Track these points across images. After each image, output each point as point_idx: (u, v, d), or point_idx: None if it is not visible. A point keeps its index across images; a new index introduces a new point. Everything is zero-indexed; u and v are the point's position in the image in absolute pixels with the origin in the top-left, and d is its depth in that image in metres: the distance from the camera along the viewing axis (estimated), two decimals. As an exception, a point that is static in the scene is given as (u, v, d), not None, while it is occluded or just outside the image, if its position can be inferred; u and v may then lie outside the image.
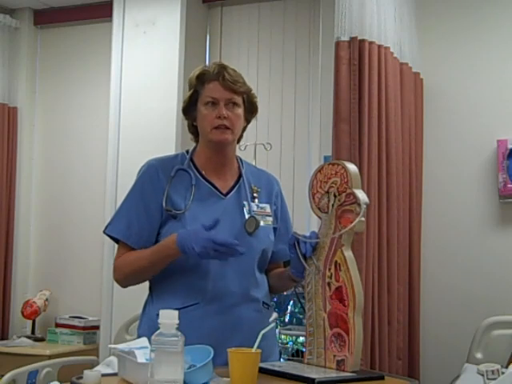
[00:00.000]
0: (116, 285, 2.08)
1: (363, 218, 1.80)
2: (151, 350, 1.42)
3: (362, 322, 1.79)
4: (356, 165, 1.90)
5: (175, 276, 1.99)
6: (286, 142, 4.24)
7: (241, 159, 2.19)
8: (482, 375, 2.07)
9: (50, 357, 3.86)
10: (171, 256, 1.93)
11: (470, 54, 3.71)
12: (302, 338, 3.47)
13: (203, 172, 2.09)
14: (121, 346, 1.70)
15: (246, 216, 2.05)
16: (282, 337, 3.57)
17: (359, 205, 1.80)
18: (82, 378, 1.57)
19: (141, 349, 1.62)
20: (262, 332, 1.67)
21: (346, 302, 1.79)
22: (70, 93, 4.79)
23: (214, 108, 2.03)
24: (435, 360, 3.59)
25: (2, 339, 4.50)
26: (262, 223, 2.05)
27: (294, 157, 4.23)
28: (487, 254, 3.57)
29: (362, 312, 1.81)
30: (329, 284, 1.84)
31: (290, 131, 4.25)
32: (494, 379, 2.04)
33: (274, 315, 1.82)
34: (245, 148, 3.87)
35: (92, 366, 2.38)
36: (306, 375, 1.68)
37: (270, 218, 2.11)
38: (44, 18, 4.88)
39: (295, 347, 3.56)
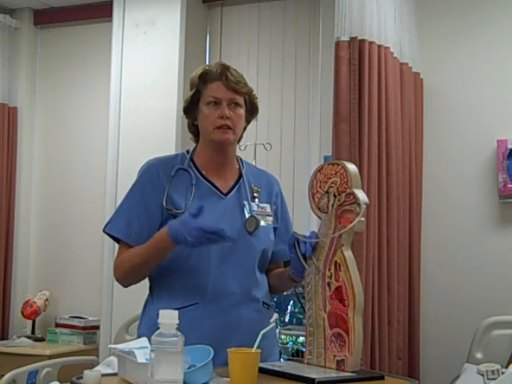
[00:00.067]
0: (116, 285, 2.08)
1: (363, 218, 1.80)
2: (151, 350, 1.42)
3: (361, 322, 1.79)
4: (356, 165, 1.90)
5: (175, 276, 1.99)
6: (286, 142, 4.24)
7: (241, 159, 2.19)
8: (482, 375, 2.07)
9: (50, 357, 3.86)
10: (166, 248, 1.92)
11: (470, 54, 3.71)
12: (302, 338, 3.47)
13: (203, 172, 2.09)
14: (121, 346, 1.70)
15: (247, 216, 2.05)
16: (282, 337, 3.57)
17: (359, 205, 1.80)
18: (82, 377, 1.57)
19: (141, 349, 1.62)
20: (262, 332, 1.67)
21: (345, 301, 1.79)
22: (70, 93, 4.79)
23: (216, 108, 2.03)
24: (435, 360, 3.59)
25: (2, 339, 4.50)
26: (262, 223, 2.06)
27: (293, 157, 4.23)
28: (487, 254, 3.57)
29: (362, 312, 1.81)
30: (329, 284, 1.84)
31: (290, 131, 4.25)
32: (494, 379, 2.04)
33: (275, 316, 1.82)
34: (245, 148, 3.87)
35: (92, 365, 2.39)
36: (306, 375, 1.68)
37: (271, 218, 2.11)
38: (44, 18, 4.88)
39: (295, 347, 3.56)
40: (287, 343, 3.59)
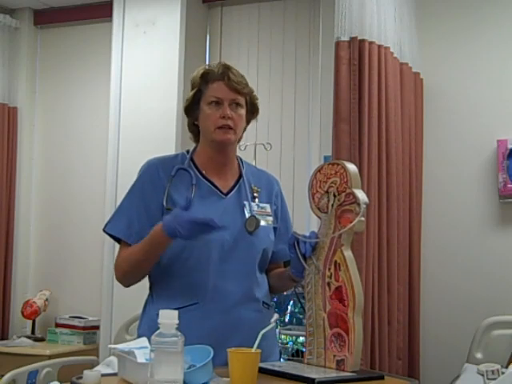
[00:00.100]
0: (116, 285, 2.09)
1: (363, 218, 1.80)
2: (151, 350, 1.42)
3: (361, 322, 1.79)
4: (356, 165, 1.90)
5: (176, 276, 1.99)
6: (286, 142, 4.24)
7: (241, 159, 2.19)
8: (482, 375, 2.07)
9: (50, 357, 3.86)
10: (162, 243, 1.92)
11: (470, 54, 3.71)
12: (302, 338, 3.47)
13: (203, 171, 2.09)
14: (121, 346, 1.70)
15: (247, 215, 2.05)
16: (282, 337, 3.57)
17: (359, 205, 1.80)
18: (81, 377, 1.57)
19: (141, 349, 1.62)
20: (262, 332, 1.67)
21: (345, 301, 1.79)
22: (70, 93, 4.79)
23: (217, 108, 2.03)
24: (435, 360, 3.59)
25: (2, 339, 4.50)
26: (262, 223, 2.06)
27: (293, 157, 4.23)
28: (487, 254, 3.57)
29: (362, 312, 1.81)
30: (328, 284, 1.84)
31: (290, 131, 4.25)
32: (494, 379, 2.04)
33: (275, 316, 1.82)
34: (245, 148, 3.87)
35: (92, 366, 2.39)
36: (306, 375, 1.68)
37: (271, 218, 2.11)
38: (44, 18, 4.88)
39: (295, 347, 3.56)
40: (287, 343, 3.59)
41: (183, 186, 2.04)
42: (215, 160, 2.09)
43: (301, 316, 3.62)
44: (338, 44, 3.07)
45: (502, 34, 3.67)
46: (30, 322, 4.59)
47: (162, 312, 1.45)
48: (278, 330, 3.46)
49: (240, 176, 2.13)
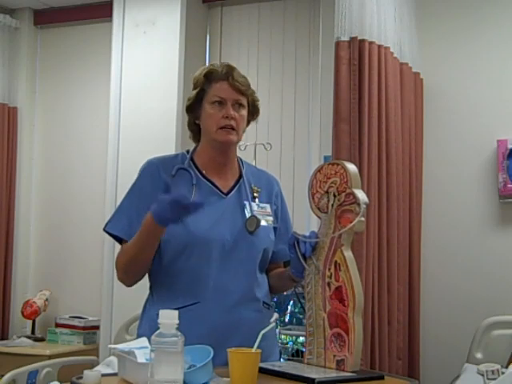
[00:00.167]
0: (116, 285, 2.09)
1: (363, 218, 1.80)
2: (151, 350, 1.42)
3: (361, 322, 1.79)
4: (356, 165, 1.90)
5: (176, 275, 1.99)
6: (286, 142, 4.24)
7: (241, 159, 2.19)
8: (482, 375, 2.07)
9: (50, 357, 3.86)
10: (154, 231, 1.90)
11: (470, 54, 3.71)
12: (302, 338, 3.47)
13: (204, 171, 2.09)
14: (121, 346, 1.70)
15: (247, 215, 2.05)
16: (282, 337, 3.57)
17: (359, 205, 1.80)
18: (81, 377, 1.57)
19: (141, 349, 1.62)
20: (262, 332, 1.67)
21: (345, 301, 1.79)
22: (70, 93, 4.79)
23: (220, 108, 2.03)
24: (435, 360, 3.59)
25: (2, 339, 4.50)
26: (263, 222, 2.06)
27: (293, 157, 4.23)
28: (487, 254, 3.57)
29: (362, 312, 1.81)
30: (328, 284, 1.84)
31: (290, 131, 4.25)
32: (494, 379, 2.04)
33: (275, 316, 1.82)
34: (245, 148, 3.87)
35: (92, 366, 2.39)
36: (306, 375, 1.68)
37: (271, 218, 2.11)
38: (44, 18, 4.88)
39: (295, 347, 3.56)
40: (287, 343, 3.59)
41: (184, 185, 2.04)
42: (216, 160, 2.09)
43: (301, 316, 3.62)
44: (337, 44, 3.07)
45: (502, 34, 3.67)
46: (30, 322, 4.59)
47: (162, 312, 1.45)
48: (277, 330, 3.46)
49: (240, 176, 2.13)
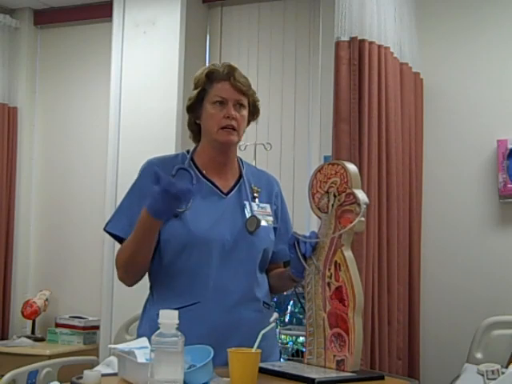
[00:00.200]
0: (116, 285, 2.09)
1: (363, 218, 1.80)
2: (151, 350, 1.42)
3: (361, 322, 1.79)
4: (356, 165, 1.90)
5: (176, 275, 1.99)
6: (286, 142, 4.24)
7: (241, 159, 2.19)
8: (482, 375, 2.07)
9: (50, 357, 3.86)
10: (150, 225, 1.89)
11: (470, 54, 3.71)
12: (302, 338, 3.47)
13: (204, 171, 2.09)
14: (121, 346, 1.70)
15: (247, 215, 2.05)
16: (282, 337, 3.57)
17: (359, 205, 1.80)
18: (81, 377, 1.57)
19: (141, 349, 1.62)
20: (262, 332, 1.67)
21: (345, 301, 1.79)
22: (70, 93, 4.79)
23: (221, 108, 2.03)
24: (435, 360, 3.59)
25: (2, 339, 4.50)
26: (263, 222, 2.06)
27: (293, 157, 4.23)
28: (487, 254, 3.57)
29: (362, 312, 1.81)
30: (329, 284, 1.84)
31: (290, 131, 4.25)
32: (494, 379, 2.04)
33: (275, 315, 1.83)
34: (245, 148, 3.87)
35: (92, 366, 2.39)
36: (306, 375, 1.68)
37: (271, 218, 2.11)
38: (44, 18, 4.88)
39: (295, 347, 3.56)
40: (287, 343, 3.59)
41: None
42: (216, 160, 2.09)
43: (301, 316, 3.62)
44: (337, 44, 3.07)
45: (502, 34, 3.67)
46: (30, 322, 4.59)
47: (162, 312, 1.45)
48: (277, 330, 3.46)
49: (240, 176, 2.13)
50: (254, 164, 3.59)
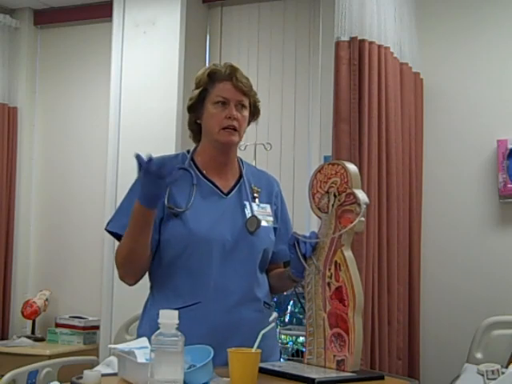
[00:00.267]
0: (116, 285, 2.09)
1: (363, 218, 1.80)
2: (151, 350, 1.42)
3: (361, 322, 1.79)
4: (356, 165, 1.90)
5: (177, 275, 1.99)
6: (286, 142, 4.24)
7: (241, 160, 2.19)
8: (482, 375, 2.07)
9: (50, 357, 3.86)
10: (144, 217, 1.89)
11: (470, 54, 3.71)
12: (302, 338, 3.47)
13: (204, 171, 2.09)
14: (121, 346, 1.70)
15: (247, 215, 2.05)
16: (282, 337, 3.57)
17: (359, 205, 1.80)
18: (82, 377, 1.57)
19: (141, 349, 1.62)
20: (262, 332, 1.67)
21: (345, 301, 1.79)
22: (70, 93, 4.79)
23: (223, 108, 2.04)
24: (435, 360, 3.59)
25: (2, 339, 4.50)
26: (263, 223, 2.06)
27: (293, 157, 4.23)
28: (487, 253, 3.57)
29: (362, 312, 1.81)
30: (329, 284, 1.84)
31: (290, 131, 4.25)
32: (494, 379, 2.04)
33: (274, 315, 1.83)
34: (245, 148, 3.87)
35: (92, 366, 2.39)
36: (306, 375, 1.68)
37: (271, 218, 2.12)
38: (44, 18, 4.88)
39: (295, 347, 3.56)
40: (287, 343, 3.59)
41: (184, 185, 2.04)
42: (216, 160, 2.09)
43: (301, 316, 3.62)
44: (337, 44, 3.07)
45: (502, 34, 3.67)
46: (30, 322, 4.59)
47: (162, 312, 1.45)
48: (277, 330, 3.46)
49: (240, 176, 2.13)
50: (254, 164, 3.59)
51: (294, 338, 3.57)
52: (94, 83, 4.68)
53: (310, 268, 1.89)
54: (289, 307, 3.70)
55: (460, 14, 3.76)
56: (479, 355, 3.17)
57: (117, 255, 2.01)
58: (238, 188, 2.11)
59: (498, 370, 2.06)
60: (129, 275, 2.02)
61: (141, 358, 1.57)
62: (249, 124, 2.15)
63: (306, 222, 3.90)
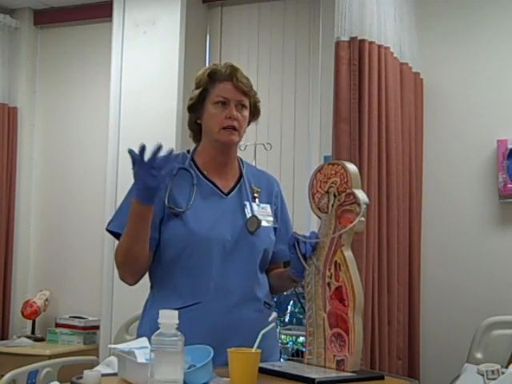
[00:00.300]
0: (116, 285, 2.09)
1: (363, 218, 1.80)
2: (151, 350, 1.42)
3: (361, 322, 1.79)
4: (356, 165, 1.90)
5: (177, 275, 1.99)
6: (286, 142, 4.24)
7: (241, 160, 2.19)
8: (482, 375, 2.07)
9: (50, 357, 3.86)
10: (141, 213, 1.89)
11: (470, 54, 3.71)
12: (302, 338, 3.47)
13: (204, 172, 2.09)
14: (121, 346, 1.70)
15: (248, 215, 2.05)
16: (282, 337, 3.57)
17: (359, 205, 1.80)
18: (82, 377, 1.57)
19: (141, 349, 1.62)
20: (262, 332, 1.67)
21: (345, 301, 1.79)
22: (70, 93, 4.79)
23: (223, 108, 2.04)
24: (435, 360, 3.59)
25: (2, 339, 4.50)
26: (264, 223, 2.06)
27: (293, 157, 4.23)
28: (487, 254, 3.57)
29: (362, 312, 1.81)
30: (329, 284, 1.84)
31: (290, 131, 4.25)
32: (494, 379, 2.04)
33: (274, 315, 1.83)
34: (245, 148, 3.87)
35: (92, 366, 2.39)
36: (306, 375, 1.68)
37: (271, 218, 2.12)
38: (44, 18, 4.88)
39: (295, 347, 3.56)
40: (287, 343, 3.59)
41: (184, 185, 2.04)
42: (216, 160, 2.09)
43: (301, 316, 3.62)
44: (337, 44, 3.07)
45: (502, 34, 3.67)
46: (30, 322, 4.58)
47: (162, 312, 1.45)
48: (278, 330, 3.46)
49: (240, 176, 2.13)
50: (254, 164, 3.59)
51: (293, 338, 3.57)
52: (94, 83, 4.68)
53: (310, 268, 1.89)
54: (289, 307, 3.70)
55: (460, 13, 3.76)
56: (479, 355, 3.17)
57: (116, 254, 2.00)
58: (238, 188, 2.11)
59: (498, 370, 2.06)
60: (128, 274, 2.02)
61: (141, 358, 1.57)
62: (249, 124, 2.15)
63: (305, 222, 3.90)
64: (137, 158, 1.80)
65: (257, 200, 2.11)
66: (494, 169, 3.57)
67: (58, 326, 4.47)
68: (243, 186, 2.11)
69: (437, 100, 3.72)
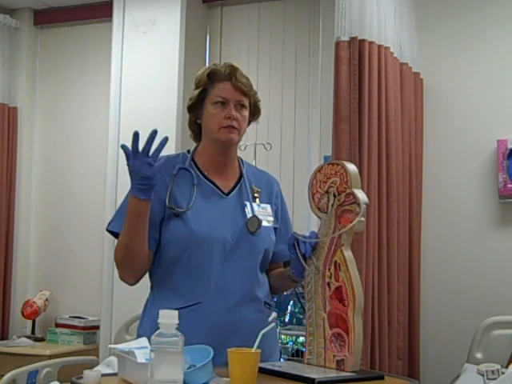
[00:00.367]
0: (116, 285, 2.09)
1: (363, 218, 1.80)
2: (151, 350, 1.42)
3: (361, 322, 1.79)
4: (356, 165, 1.90)
5: (177, 275, 1.99)
6: (286, 142, 4.24)
7: (241, 159, 2.19)
8: (482, 375, 2.07)
9: (50, 357, 3.86)
10: (137, 209, 1.90)
11: (470, 54, 3.71)
12: (302, 338, 3.47)
13: (205, 172, 2.09)
14: (121, 346, 1.70)
15: (248, 216, 2.05)
16: (282, 337, 3.57)
17: (359, 205, 1.80)
18: (82, 377, 1.57)
19: (141, 349, 1.62)
20: (262, 332, 1.67)
21: (345, 301, 1.79)
22: (70, 93, 4.79)
23: (222, 108, 2.03)
24: (435, 360, 3.59)
25: (2, 339, 4.50)
26: (264, 223, 2.06)
27: (293, 157, 4.23)
28: (487, 254, 3.57)
29: (362, 312, 1.81)
30: (328, 284, 1.84)
31: (290, 131, 4.25)
32: (494, 379, 2.04)
33: (273, 314, 1.83)
34: (245, 148, 3.87)
35: (92, 366, 2.39)
36: (306, 375, 1.68)
37: (271, 218, 2.12)
38: (44, 18, 4.88)
39: (295, 347, 3.56)
40: (287, 343, 3.59)
41: (185, 185, 2.04)
42: (216, 160, 2.09)
43: (301, 316, 3.62)
44: (337, 44, 3.07)
45: (502, 34, 3.67)
46: (30, 322, 4.59)
47: (162, 312, 1.45)
48: (278, 330, 3.46)
49: (241, 176, 2.13)
50: (254, 164, 3.59)
51: (294, 338, 3.57)
52: (94, 83, 4.68)
53: (310, 268, 1.89)
54: (289, 307, 3.70)
55: (460, 13, 3.76)
56: (479, 355, 3.17)
57: (115, 253, 2.00)
58: (238, 188, 2.11)
59: (498, 370, 2.07)
60: (128, 274, 2.01)
61: (141, 358, 1.57)
62: (249, 124, 2.15)
63: (305, 222, 3.90)
64: (130, 150, 1.82)
65: (257, 200, 2.11)
66: (493, 169, 3.57)
67: (57, 325, 4.47)
68: (243, 185, 2.11)
69: (437, 100, 3.72)
